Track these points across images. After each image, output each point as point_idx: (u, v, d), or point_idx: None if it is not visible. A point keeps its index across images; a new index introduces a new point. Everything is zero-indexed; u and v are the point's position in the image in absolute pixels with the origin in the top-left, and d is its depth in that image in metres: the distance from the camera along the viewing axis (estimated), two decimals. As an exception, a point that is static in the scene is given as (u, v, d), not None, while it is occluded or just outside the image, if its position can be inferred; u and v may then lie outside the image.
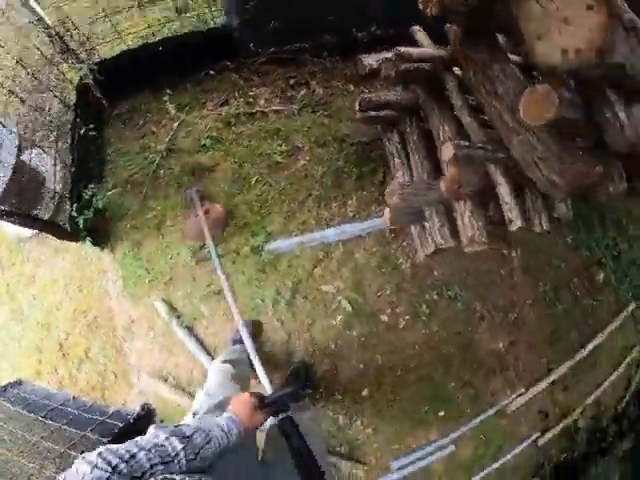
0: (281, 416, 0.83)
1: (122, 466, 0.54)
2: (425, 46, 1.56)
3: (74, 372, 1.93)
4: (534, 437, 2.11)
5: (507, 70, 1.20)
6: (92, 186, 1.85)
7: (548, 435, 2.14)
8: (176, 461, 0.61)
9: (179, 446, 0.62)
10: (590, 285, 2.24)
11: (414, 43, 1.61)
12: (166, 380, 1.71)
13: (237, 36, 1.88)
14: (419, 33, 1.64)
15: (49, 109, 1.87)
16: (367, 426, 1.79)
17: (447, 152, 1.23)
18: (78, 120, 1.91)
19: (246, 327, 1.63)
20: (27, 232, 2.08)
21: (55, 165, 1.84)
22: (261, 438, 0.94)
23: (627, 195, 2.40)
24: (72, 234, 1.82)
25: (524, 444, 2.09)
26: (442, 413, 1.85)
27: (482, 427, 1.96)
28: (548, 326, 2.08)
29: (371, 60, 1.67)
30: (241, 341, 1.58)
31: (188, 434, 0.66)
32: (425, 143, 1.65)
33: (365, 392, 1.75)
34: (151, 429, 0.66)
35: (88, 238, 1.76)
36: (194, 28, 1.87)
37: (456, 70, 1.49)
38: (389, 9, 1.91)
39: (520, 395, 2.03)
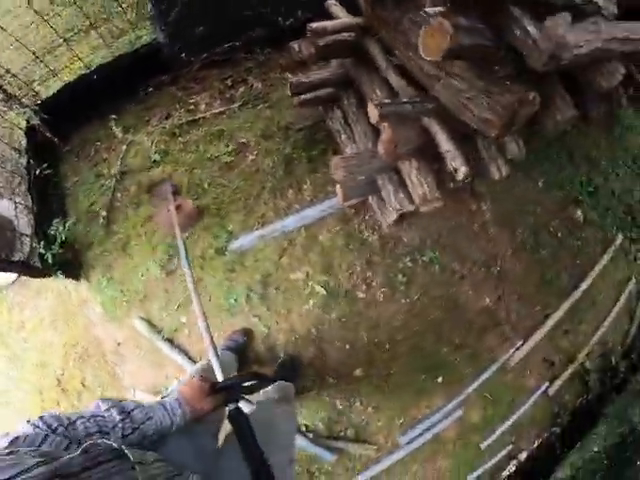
0: (231, 406, 0.80)
1: (60, 429, 0.57)
2: (341, 18, 1.55)
3: (75, 403, 1.96)
4: (543, 387, 2.07)
5: (416, 19, 1.19)
6: (56, 222, 1.88)
7: (557, 383, 2.09)
8: (112, 433, 0.62)
9: (117, 418, 0.64)
10: (571, 225, 2.19)
11: (332, 17, 1.61)
12: (160, 393, 1.72)
13: (167, 49, 1.90)
14: (334, 7, 1.63)
15: (2, 157, 1.91)
16: (367, 406, 1.78)
17: (373, 114, 1.22)
18: (32, 162, 1.95)
19: (238, 336, 1.64)
20: (7, 280, 2.12)
21: (16, 209, 1.88)
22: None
23: (584, 123, 2.37)
24: (44, 271, 1.85)
25: (534, 396, 2.05)
26: (440, 379, 1.82)
27: (486, 386, 1.92)
28: (535, 273, 2.03)
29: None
30: (229, 348, 1.59)
31: (128, 409, 0.67)
32: (364, 112, 1.64)
33: (358, 372, 1.73)
34: (95, 402, 0.67)
35: (59, 272, 1.79)
36: (124, 51, 1.90)
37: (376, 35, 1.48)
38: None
39: (519, 347, 1.99)
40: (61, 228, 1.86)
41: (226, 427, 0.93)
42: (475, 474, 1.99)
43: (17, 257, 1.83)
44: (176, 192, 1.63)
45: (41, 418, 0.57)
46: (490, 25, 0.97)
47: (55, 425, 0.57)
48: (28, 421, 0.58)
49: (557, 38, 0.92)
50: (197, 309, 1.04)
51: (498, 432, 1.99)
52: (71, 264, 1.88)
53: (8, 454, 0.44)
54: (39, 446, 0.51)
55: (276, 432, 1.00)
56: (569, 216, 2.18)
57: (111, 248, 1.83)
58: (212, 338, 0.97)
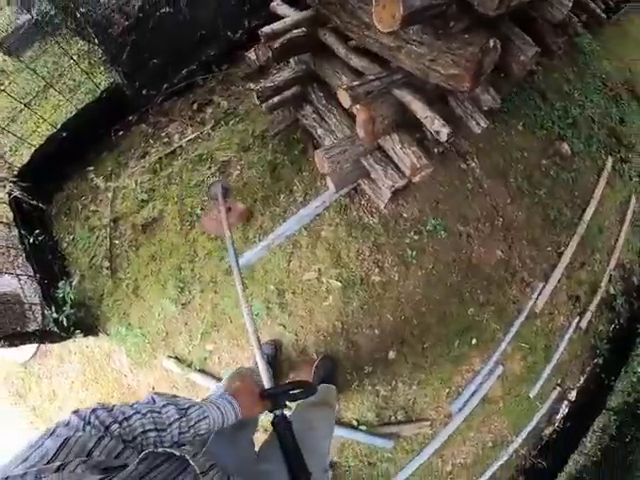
0: (276, 413, 0.81)
1: (114, 426, 0.51)
2: (289, 16, 1.56)
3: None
4: (575, 323, 2.08)
5: (363, -3, 1.19)
6: (62, 284, 1.88)
7: (587, 315, 2.10)
8: (169, 430, 0.59)
9: (175, 416, 0.60)
10: (560, 160, 2.20)
11: (281, 17, 1.62)
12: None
13: (128, 89, 1.90)
14: (279, 7, 1.64)
15: (-7, 234, 1.91)
16: (410, 385, 1.77)
17: (344, 99, 1.22)
18: (23, 232, 1.94)
19: (268, 348, 1.64)
20: (26, 354, 2.12)
21: (20, 281, 1.87)
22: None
23: (548, 59, 2.38)
24: (62, 334, 1.85)
25: (568, 334, 2.05)
26: (474, 341, 1.82)
27: (519, 337, 1.93)
28: (538, 215, 2.04)
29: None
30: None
31: (185, 406, 0.64)
32: (335, 101, 1.65)
33: (392, 354, 1.73)
34: (149, 395, 0.64)
35: (77, 332, 1.79)
36: (86, 101, 1.90)
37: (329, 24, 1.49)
38: (249, 1, 1.92)
39: (541, 291, 1.99)
40: (68, 289, 1.86)
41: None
42: (532, 424, 2.00)
43: (33, 327, 1.82)
44: (227, 194, 1.56)
45: (94, 412, 0.51)
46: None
47: (109, 422, 0.51)
48: (76, 412, 0.51)
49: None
50: (245, 312, 1.02)
51: (543, 378, 1.99)
52: (87, 321, 1.87)
53: (60, 469, 0.39)
54: (90, 451, 0.45)
55: (315, 436, 1.00)
56: (556, 152, 2.20)
57: (122, 295, 1.83)
58: (259, 341, 0.96)
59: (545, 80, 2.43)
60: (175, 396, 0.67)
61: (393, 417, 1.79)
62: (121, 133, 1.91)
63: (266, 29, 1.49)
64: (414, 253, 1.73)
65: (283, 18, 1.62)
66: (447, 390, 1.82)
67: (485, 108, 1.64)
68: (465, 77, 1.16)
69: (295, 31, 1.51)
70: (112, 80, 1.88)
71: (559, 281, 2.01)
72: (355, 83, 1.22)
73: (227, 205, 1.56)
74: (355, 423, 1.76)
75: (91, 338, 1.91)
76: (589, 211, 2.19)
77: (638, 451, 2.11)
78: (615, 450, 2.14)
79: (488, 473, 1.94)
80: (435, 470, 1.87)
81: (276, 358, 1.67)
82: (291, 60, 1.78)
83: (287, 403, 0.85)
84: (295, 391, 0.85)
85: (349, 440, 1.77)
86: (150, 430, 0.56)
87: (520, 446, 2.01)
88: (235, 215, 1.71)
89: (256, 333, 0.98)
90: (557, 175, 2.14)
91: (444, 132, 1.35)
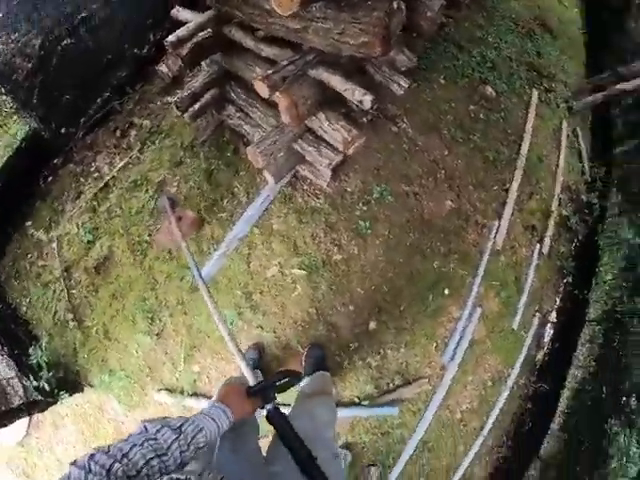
0: (267, 407, 0.81)
1: (116, 466, 0.51)
2: (192, 20, 1.54)
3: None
4: (537, 251, 2.18)
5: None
6: (32, 350, 1.81)
7: (546, 241, 2.21)
8: (169, 454, 0.59)
9: (172, 437, 0.60)
10: (487, 103, 2.29)
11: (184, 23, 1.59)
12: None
13: (46, 132, 1.84)
14: (180, 13, 1.62)
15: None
16: (398, 349, 1.82)
17: (262, 89, 1.22)
18: (-26, 307, 1.85)
19: (251, 353, 1.63)
20: (21, 432, 2.04)
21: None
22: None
23: (456, 10, 2.45)
24: (48, 400, 1.79)
25: (533, 262, 2.15)
26: (447, 291, 1.88)
27: (489, 276, 2.01)
28: (477, 159, 2.12)
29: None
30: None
31: (178, 425, 0.64)
32: (255, 95, 1.64)
33: (372, 325, 1.77)
34: (140, 425, 0.63)
35: (61, 393, 1.74)
36: (6, 155, 1.82)
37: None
38: (150, 14, 1.89)
39: (498, 229, 2.08)
40: (39, 352, 1.80)
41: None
42: (523, 353, 2.09)
43: (17, 402, 1.76)
44: (174, 204, 1.53)
45: (92, 457, 0.51)
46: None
47: (109, 463, 0.51)
48: (74, 463, 0.51)
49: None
50: (217, 321, 1.01)
51: (521, 308, 2.08)
52: (68, 379, 1.82)
53: None
54: None
55: (317, 426, 1.00)
56: (482, 96, 2.28)
57: (95, 343, 1.78)
58: (237, 343, 0.96)
59: (457, 31, 2.50)
60: (165, 418, 0.66)
61: (391, 384, 1.83)
62: (50, 179, 1.85)
63: (171, 38, 1.45)
64: (367, 223, 1.77)
65: (186, 24, 1.59)
66: (434, 344, 1.88)
67: (403, 69, 1.66)
68: (375, 43, 1.16)
69: (201, 34, 1.49)
70: (28, 127, 1.81)
71: (512, 215, 2.10)
72: (269, 72, 1.22)
73: (177, 215, 1.55)
74: (357, 400, 1.79)
75: (78, 395, 1.85)
76: (525, 145, 2.29)
77: (630, 353, 2.24)
78: (607, 357, 2.27)
79: (496, 409, 2.03)
80: (446, 421, 1.93)
81: (262, 360, 1.68)
82: (202, 64, 1.76)
83: (276, 395, 0.84)
84: (281, 381, 0.86)
85: (356, 418, 1.80)
86: (152, 458, 0.56)
87: (518, 377, 2.10)
88: (187, 223, 1.69)
89: (233, 339, 0.98)
90: (487, 118, 2.22)
91: (367, 100, 1.36)
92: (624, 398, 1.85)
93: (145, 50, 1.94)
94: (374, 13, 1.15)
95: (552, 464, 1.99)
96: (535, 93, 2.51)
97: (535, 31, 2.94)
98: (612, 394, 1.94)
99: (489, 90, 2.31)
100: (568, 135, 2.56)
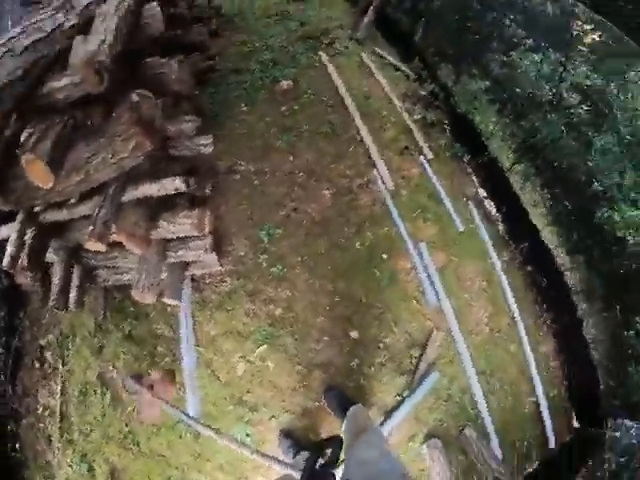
0: None
1: None
2: (9, 233, 1.54)
3: None
4: (424, 161, 2.29)
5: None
6: None
7: (424, 148, 2.33)
8: None
9: None
10: (291, 94, 2.42)
11: None
12: None
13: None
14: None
15: None
16: (391, 330, 1.82)
17: (95, 246, 1.28)
18: None
19: (284, 443, 1.58)
20: None
21: None
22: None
23: (202, 51, 2.61)
24: None
25: (429, 172, 2.26)
26: (385, 255, 1.93)
27: (405, 213, 2.09)
28: (319, 141, 2.22)
29: None
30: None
31: None
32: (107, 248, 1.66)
33: (353, 334, 1.76)
34: None
35: None
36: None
37: None
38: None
39: (380, 174, 2.16)
40: None
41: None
42: (487, 237, 2.15)
43: None
44: (137, 378, 1.58)
45: None
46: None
47: None
48: None
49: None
50: (231, 444, 1.00)
51: (452, 212, 2.17)
52: None
53: None
54: None
55: (372, 467, 0.94)
56: (283, 93, 2.40)
57: None
58: (262, 452, 0.98)
59: (227, 60, 2.65)
60: None
61: (412, 360, 1.83)
62: (17, 445, 1.78)
63: (5, 262, 1.45)
64: (279, 265, 1.81)
65: (8, 239, 1.60)
66: (414, 301, 1.90)
67: (193, 133, 1.66)
68: (143, 140, 1.23)
69: (26, 237, 1.50)
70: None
71: (382, 155, 2.21)
72: (95, 230, 1.27)
73: (148, 383, 1.54)
74: (399, 398, 1.76)
75: None
76: (346, 96, 2.43)
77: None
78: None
79: (508, 293, 2.08)
80: (484, 342, 1.94)
81: (299, 440, 1.63)
82: (48, 256, 1.75)
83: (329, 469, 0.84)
84: (324, 459, 0.85)
85: (415, 410, 1.77)
86: None
87: (500, 256, 2.15)
88: (161, 386, 1.67)
89: (256, 450, 0.97)
90: (300, 104, 2.36)
91: (179, 184, 1.42)
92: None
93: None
94: (122, 118, 1.22)
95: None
96: (322, 54, 2.71)
97: (287, 9, 3.18)
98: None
99: (285, 84, 2.46)
100: (373, 60, 2.76)
